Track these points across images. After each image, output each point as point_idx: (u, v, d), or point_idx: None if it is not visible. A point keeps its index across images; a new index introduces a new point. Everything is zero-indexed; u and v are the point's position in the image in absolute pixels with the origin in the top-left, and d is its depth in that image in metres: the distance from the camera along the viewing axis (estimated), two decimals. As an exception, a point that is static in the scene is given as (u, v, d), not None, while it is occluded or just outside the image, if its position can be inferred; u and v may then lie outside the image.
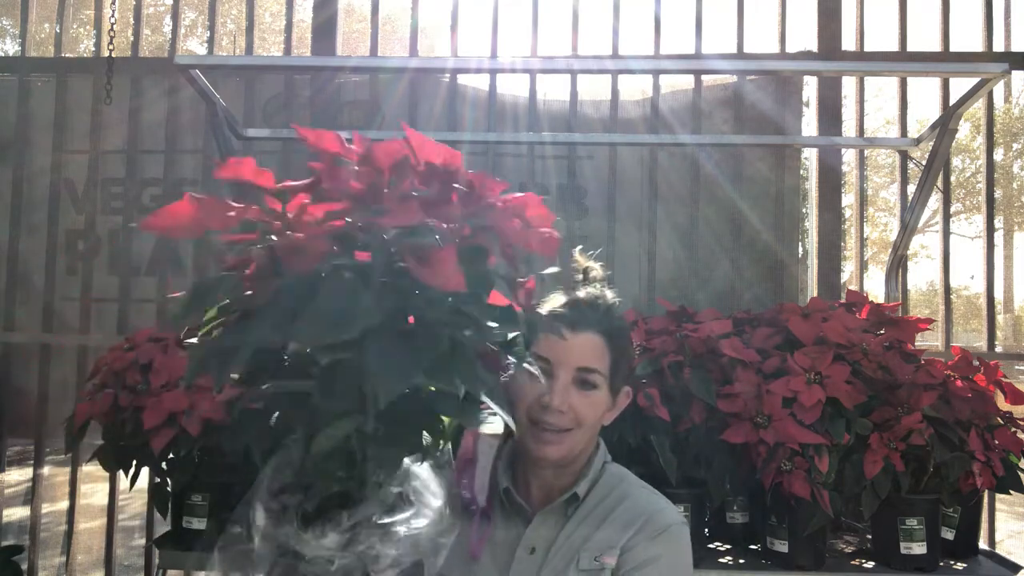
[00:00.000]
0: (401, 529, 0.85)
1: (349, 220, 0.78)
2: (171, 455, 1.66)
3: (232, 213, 0.83)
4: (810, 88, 3.03)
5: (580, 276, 1.19)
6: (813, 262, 2.66)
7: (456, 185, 0.84)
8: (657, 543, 1.07)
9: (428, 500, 0.89)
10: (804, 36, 3.52)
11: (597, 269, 1.20)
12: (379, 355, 0.75)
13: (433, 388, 0.82)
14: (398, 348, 0.77)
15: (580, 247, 1.23)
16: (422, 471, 0.93)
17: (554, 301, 1.14)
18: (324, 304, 0.75)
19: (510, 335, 0.88)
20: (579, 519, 1.10)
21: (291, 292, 0.78)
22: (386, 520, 0.83)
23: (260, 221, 0.85)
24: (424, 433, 0.86)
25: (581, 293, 1.14)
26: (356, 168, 0.80)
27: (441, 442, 0.88)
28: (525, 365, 1.03)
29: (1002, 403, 1.76)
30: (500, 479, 1.13)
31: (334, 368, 0.77)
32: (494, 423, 1.06)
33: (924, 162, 2.14)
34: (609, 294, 1.16)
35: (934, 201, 2.52)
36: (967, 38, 2.75)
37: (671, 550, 1.09)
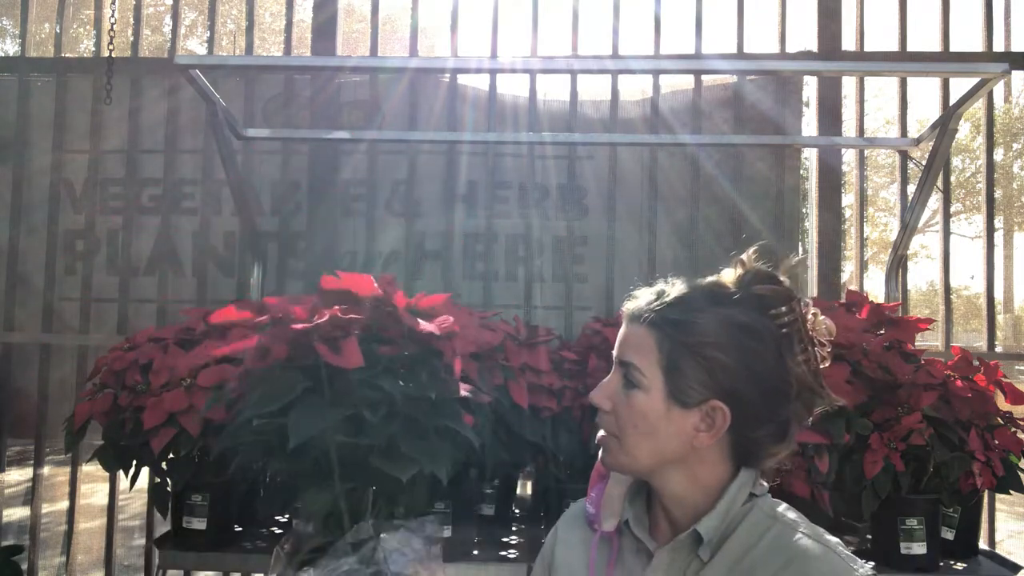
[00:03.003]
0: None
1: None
2: (171, 455, 1.66)
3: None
4: (810, 88, 3.03)
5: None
6: (813, 262, 2.66)
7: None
8: None
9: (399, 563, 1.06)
10: (804, 36, 3.52)
11: (748, 265, 0.96)
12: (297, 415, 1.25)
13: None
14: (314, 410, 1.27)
15: (754, 248, 1.00)
16: (392, 540, 1.13)
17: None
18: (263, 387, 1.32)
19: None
20: (720, 570, 0.89)
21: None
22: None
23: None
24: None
25: (658, 286, 0.97)
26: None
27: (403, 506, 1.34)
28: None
29: (1002, 403, 1.76)
30: (624, 509, 0.99)
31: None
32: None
33: (924, 162, 2.14)
34: (682, 288, 0.94)
35: (934, 201, 2.52)
36: (967, 38, 2.75)
37: None
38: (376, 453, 1.27)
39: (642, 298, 0.96)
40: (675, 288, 0.95)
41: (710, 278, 0.96)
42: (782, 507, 0.94)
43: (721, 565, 0.89)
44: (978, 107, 2.43)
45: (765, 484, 0.96)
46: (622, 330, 0.97)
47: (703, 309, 0.92)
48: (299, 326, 1.29)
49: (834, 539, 0.90)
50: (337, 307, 1.38)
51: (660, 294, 0.95)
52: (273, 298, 1.60)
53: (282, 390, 1.28)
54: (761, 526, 0.90)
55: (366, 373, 1.28)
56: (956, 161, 16.00)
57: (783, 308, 0.93)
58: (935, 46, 2.65)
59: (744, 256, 0.96)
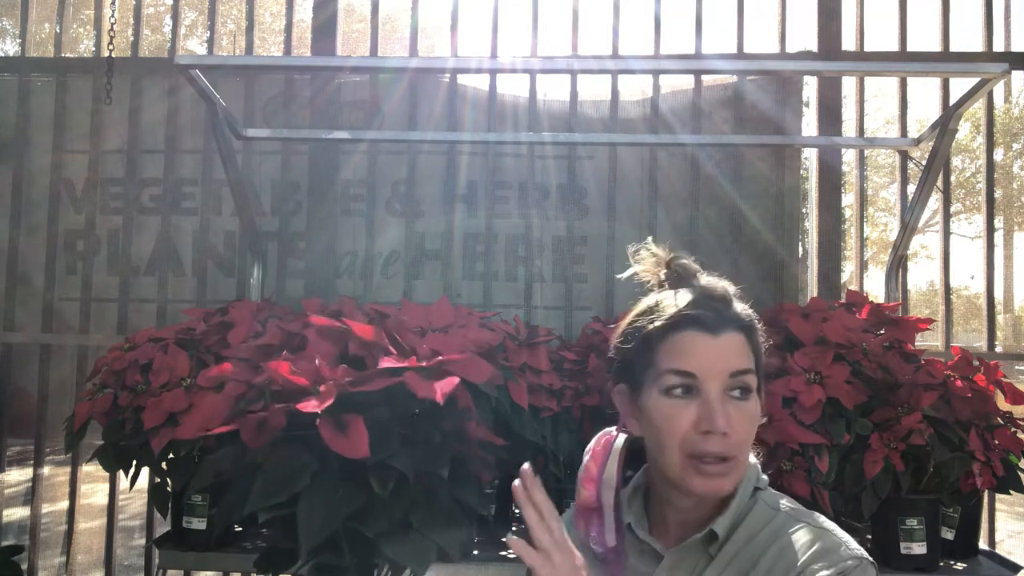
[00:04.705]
0: None
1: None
2: (171, 455, 1.66)
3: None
4: (810, 88, 3.03)
5: (665, 270, 1.01)
6: (813, 262, 2.66)
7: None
8: None
9: None
10: (804, 36, 3.52)
11: (685, 257, 1.00)
12: (307, 509, 1.19)
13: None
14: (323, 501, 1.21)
15: (650, 237, 1.04)
16: None
17: (677, 301, 0.94)
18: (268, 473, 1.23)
19: None
20: (722, 563, 0.90)
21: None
22: None
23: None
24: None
25: (706, 284, 0.96)
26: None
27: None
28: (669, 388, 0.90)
29: (1002, 403, 1.76)
30: (624, 515, 0.99)
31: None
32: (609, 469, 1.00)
33: (924, 162, 2.14)
34: (724, 290, 0.97)
35: (934, 201, 2.52)
36: (967, 38, 2.75)
37: None
38: (388, 535, 1.22)
39: (713, 305, 0.93)
40: (726, 288, 0.98)
41: (705, 281, 0.99)
42: (784, 500, 0.95)
43: (724, 558, 0.90)
44: (978, 107, 2.43)
45: (765, 477, 0.98)
46: (708, 343, 0.89)
47: (746, 307, 0.97)
48: (306, 407, 1.21)
49: (835, 526, 0.90)
50: (345, 376, 1.30)
51: (725, 299, 0.96)
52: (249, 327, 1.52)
53: (288, 476, 1.22)
54: (764, 518, 0.92)
55: (378, 455, 1.21)
56: (956, 161, 16.00)
57: None
58: (935, 46, 2.65)
59: (689, 262, 1.01)
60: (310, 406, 1.22)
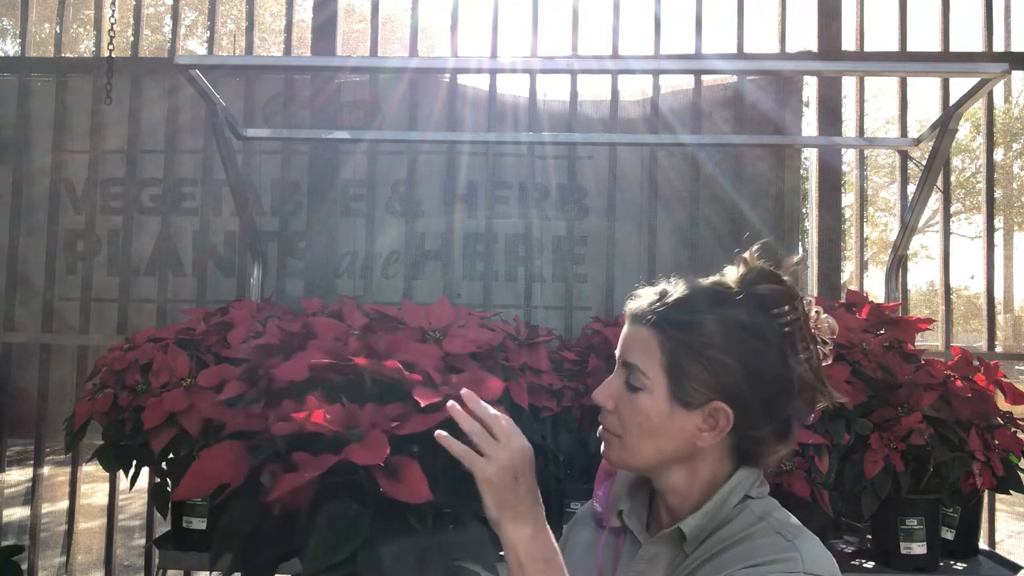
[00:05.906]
0: None
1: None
2: (171, 455, 1.66)
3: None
4: (810, 88, 3.03)
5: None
6: (813, 262, 2.66)
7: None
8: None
9: None
10: (804, 36, 3.52)
11: (750, 264, 0.95)
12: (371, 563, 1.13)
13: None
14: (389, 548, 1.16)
15: (756, 246, 0.98)
16: None
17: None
18: (322, 530, 1.15)
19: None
20: (693, 563, 0.90)
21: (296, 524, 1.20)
22: None
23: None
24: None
25: (660, 286, 0.98)
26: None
27: None
28: None
29: (1002, 403, 1.76)
30: (622, 500, 1.02)
31: None
32: None
33: (924, 162, 2.14)
34: (684, 288, 0.94)
35: (934, 201, 2.52)
36: (967, 38, 2.75)
37: None
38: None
39: (644, 298, 0.96)
40: (678, 288, 0.95)
41: (713, 277, 0.96)
42: (778, 512, 0.92)
43: (696, 559, 0.90)
44: (978, 107, 2.43)
45: (766, 486, 0.95)
46: (624, 330, 0.97)
47: (705, 310, 0.91)
48: (360, 458, 1.12)
49: (813, 546, 0.86)
50: (381, 416, 1.23)
51: (662, 294, 0.95)
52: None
53: (347, 531, 1.15)
54: (745, 524, 0.90)
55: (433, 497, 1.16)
56: (956, 161, 16.00)
57: (785, 307, 0.91)
58: (935, 46, 2.65)
59: (747, 255, 0.95)
60: (362, 456, 1.13)
